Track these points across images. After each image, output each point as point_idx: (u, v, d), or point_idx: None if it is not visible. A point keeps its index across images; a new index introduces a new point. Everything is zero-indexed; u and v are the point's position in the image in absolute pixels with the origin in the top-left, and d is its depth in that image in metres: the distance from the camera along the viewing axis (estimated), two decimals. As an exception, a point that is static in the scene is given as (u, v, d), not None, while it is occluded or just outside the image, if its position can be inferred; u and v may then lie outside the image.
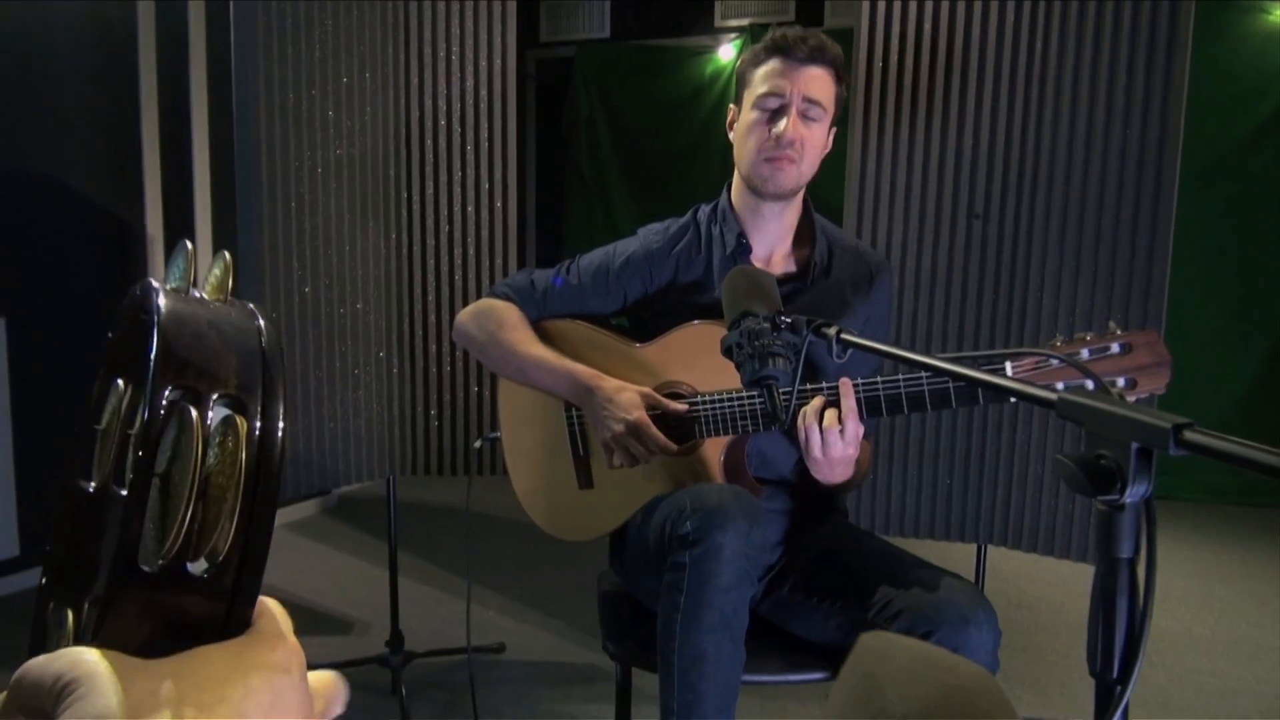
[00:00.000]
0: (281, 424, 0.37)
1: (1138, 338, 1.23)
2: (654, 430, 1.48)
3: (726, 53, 5.27)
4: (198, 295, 0.41)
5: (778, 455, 1.62)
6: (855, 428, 1.35)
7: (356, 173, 2.23)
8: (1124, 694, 0.64)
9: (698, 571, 1.30)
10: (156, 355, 0.36)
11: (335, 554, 3.44)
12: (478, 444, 2.07)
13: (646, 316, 1.66)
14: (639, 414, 1.49)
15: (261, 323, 0.39)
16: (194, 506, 0.34)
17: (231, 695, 0.34)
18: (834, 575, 1.51)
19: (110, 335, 0.45)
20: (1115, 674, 0.65)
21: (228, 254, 0.42)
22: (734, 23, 5.26)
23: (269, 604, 0.39)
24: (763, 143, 1.54)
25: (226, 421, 0.36)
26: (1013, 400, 1.62)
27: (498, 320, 1.65)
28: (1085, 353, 1.24)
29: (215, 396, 0.36)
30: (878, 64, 2.08)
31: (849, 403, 1.34)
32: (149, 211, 3.39)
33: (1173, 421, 0.60)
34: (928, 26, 2.04)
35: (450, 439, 2.37)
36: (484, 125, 2.30)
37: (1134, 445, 0.62)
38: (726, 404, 1.49)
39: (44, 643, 0.40)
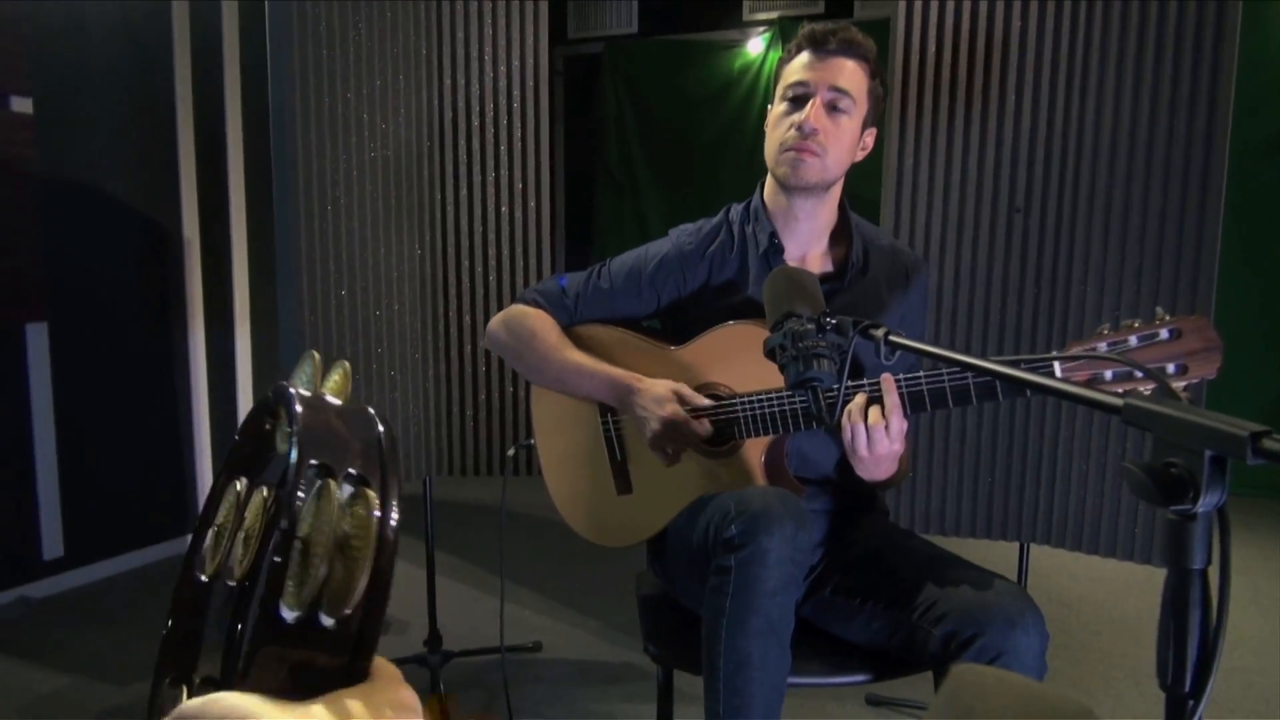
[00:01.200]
0: (397, 507, 0.43)
1: (1186, 323, 1.20)
2: (688, 420, 1.48)
3: (755, 46, 5.24)
4: (326, 396, 0.48)
5: (819, 454, 1.61)
6: (900, 423, 1.33)
7: (391, 174, 2.23)
8: (1197, 709, 0.62)
9: (743, 576, 1.29)
10: (298, 439, 0.41)
11: (372, 553, 3.46)
12: (511, 452, 2.07)
13: (680, 318, 1.65)
14: (672, 408, 1.49)
15: (377, 418, 0.46)
16: (331, 564, 0.40)
17: None
18: (876, 576, 1.49)
19: (236, 439, 0.52)
20: (1187, 688, 0.63)
21: (346, 363, 0.50)
22: (762, 16, 5.23)
23: (383, 661, 0.44)
24: (786, 134, 1.53)
25: (356, 495, 0.41)
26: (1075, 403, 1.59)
27: (529, 328, 1.64)
28: (1133, 339, 1.21)
29: (346, 473, 0.42)
30: (915, 57, 2.06)
31: (892, 398, 1.32)
32: (185, 216, 3.43)
33: (1249, 429, 0.58)
34: (966, 17, 2.01)
35: (486, 439, 2.37)
36: (516, 125, 2.30)
37: (1208, 453, 0.60)
38: (766, 404, 1.48)
39: (160, 717, 0.46)
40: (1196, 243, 1.88)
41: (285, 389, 0.46)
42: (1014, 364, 0.87)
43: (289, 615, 0.39)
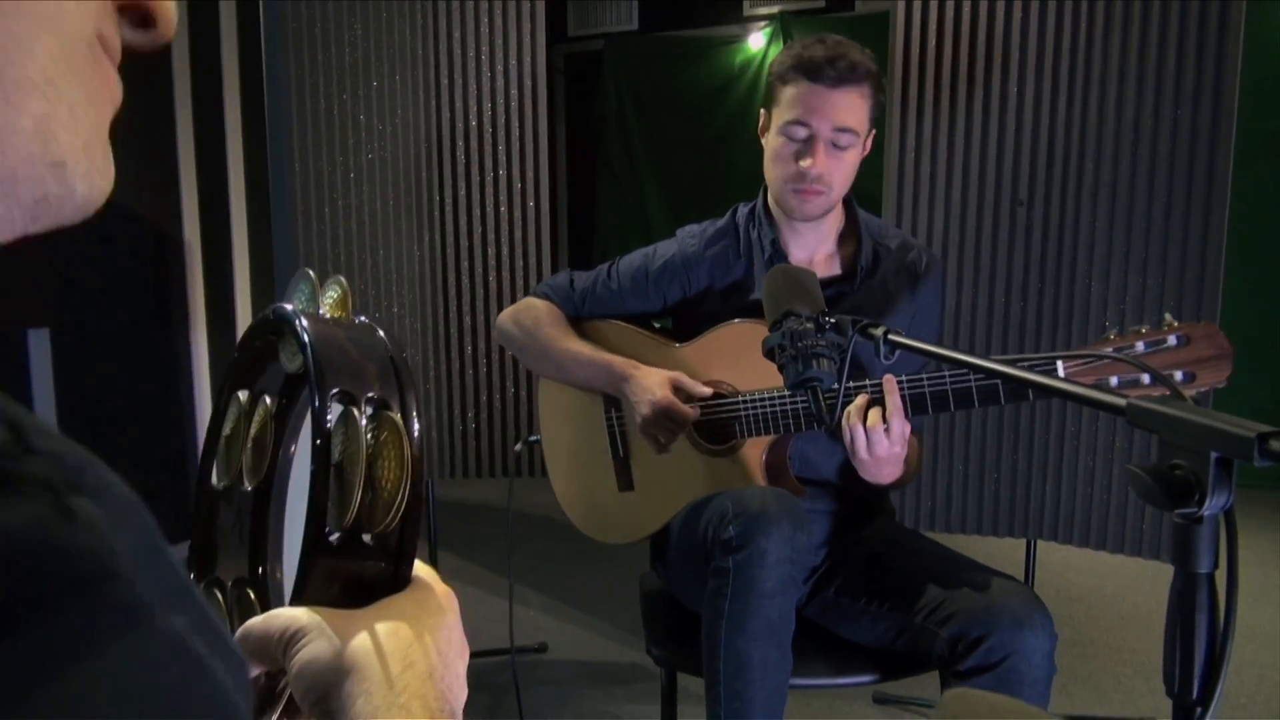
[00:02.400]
0: (417, 418, 0.45)
1: (1196, 330, 1.18)
2: (678, 403, 1.46)
3: (756, 41, 5.21)
4: (326, 315, 0.49)
5: (820, 457, 1.59)
6: (901, 426, 1.31)
7: (389, 175, 2.22)
8: (1204, 716, 0.61)
9: (741, 577, 1.28)
10: (315, 368, 0.43)
11: (376, 554, 3.45)
12: (518, 447, 2.06)
13: (688, 319, 1.64)
14: (664, 393, 1.48)
15: (383, 334, 0.47)
16: (364, 486, 0.42)
17: (424, 630, 0.43)
18: (881, 577, 1.47)
19: (236, 355, 0.53)
20: (1195, 695, 0.61)
21: (343, 278, 0.50)
22: (763, 11, 5.20)
23: (420, 564, 0.47)
24: (789, 174, 1.50)
25: (378, 418, 0.44)
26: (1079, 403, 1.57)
27: (535, 318, 1.65)
28: (1140, 346, 1.19)
29: (367, 398, 0.44)
30: (916, 50, 2.04)
31: (894, 400, 1.31)
32: (186, 220, 3.43)
33: (1257, 430, 0.56)
34: (967, 10, 1.99)
35: (488, 441, 2.36)
36: (515, 124, 2.28)
37: (1214, 455, 0.58)
38: (768, 404, 1.47)
39: None
40: (1202, 237, 1.86)
41: (287, 311, 0.46)
42: (1017, 364, 0.86)
43: (334, 536, 0.42)
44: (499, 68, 2.27)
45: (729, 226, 1.64)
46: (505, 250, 2.31)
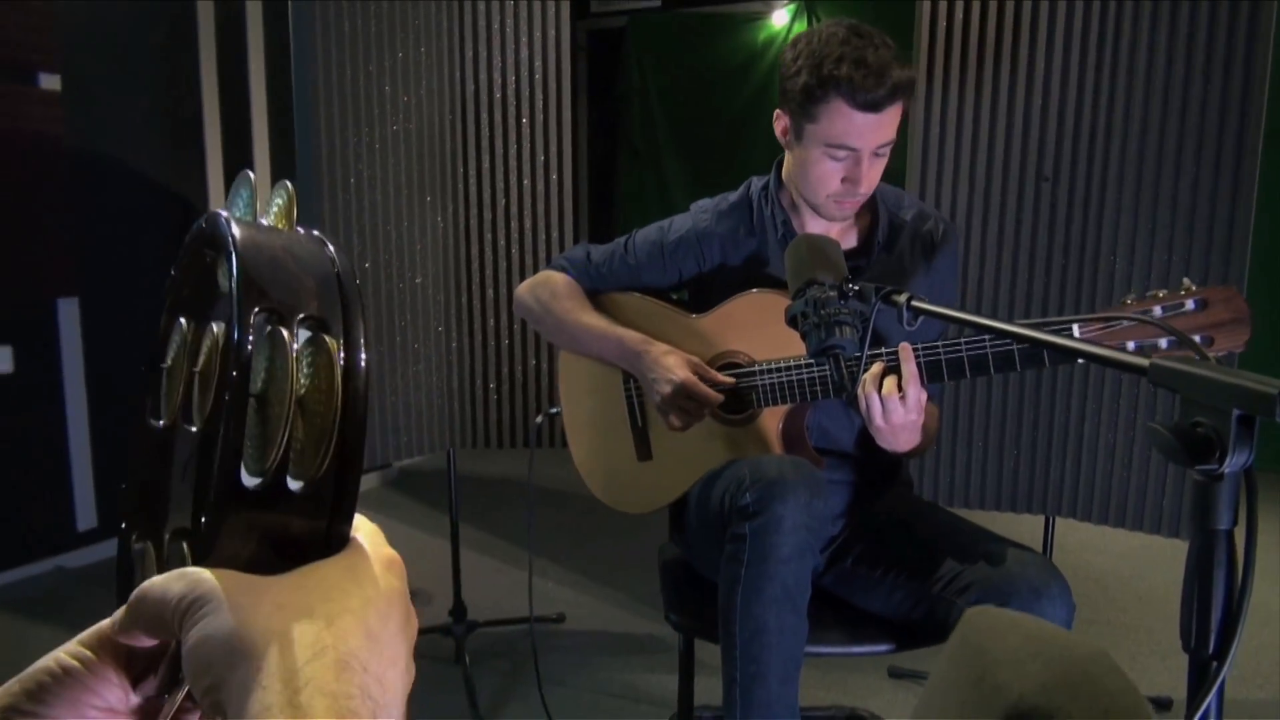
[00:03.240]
0: (364, 348, 0.37)
1: (1215, 293, 1.17)
2: (702, 387, 1.47)
3: (780, 18, 5.17)
4: (266, 224, 0.41)
5: (838, 427, 1.60)
6: (917, 393, 1.31)
7: (414, 148, 2.24)
8: (1220, 671, 0.62)
9: (758, 543, 1.29)
10: (238, 280, 0.36)
11: (397, 526, 3.50)
12: (539, 419, 2.08)
13: (702, 292, 1.64)
14: (685, 374, 1.48)
15: (332, 249, 0.39)
16: (292, 424, 0.35)
17: (353, 605, 0.35)
18: (899, 547, 1.48)
19: (172, 272, 0.46)
20: (1211, 650, 0.62)
21: (289, 183, 0.42)
22: (787, -13, 5.15)
23: (362, 520, 0.40)
24: (833, 188, 1.48)
25: (314, 342, 0.36)
26: (1080, 362, 1.56)
27: (552, 291, 1.66)
28: (1158, 310, 1.19)
29: (299, 318, 0.36)
30: (942, 24, 2.02)
31: (910, 368, 1.31)
32: (211, 191, 3.46)
33: (1278, 386, 0.56)
34: (994, -18, 1.97)
35: (509, 412, 2.38)
36: (539, 97, 2.29)
37: (1235, 412, 0.59)
38: (785, 373, 1.47)
39: (131, 576, 0.42)
40: (1230, 212, 1.84)
41: (218, 216, 0.39)
42: (1036, 328, 0.86)
43: (251, 481, 0.35)
44: (523, 40, 2.27)
45: (743, 200, 1.64)
46: (528, 223, 2.32)
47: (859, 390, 1.34)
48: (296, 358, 0.36)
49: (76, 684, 0.36)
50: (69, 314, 3.05)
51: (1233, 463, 0.60)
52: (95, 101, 3.07)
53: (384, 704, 0.34)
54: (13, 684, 0.36)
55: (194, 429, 0.39)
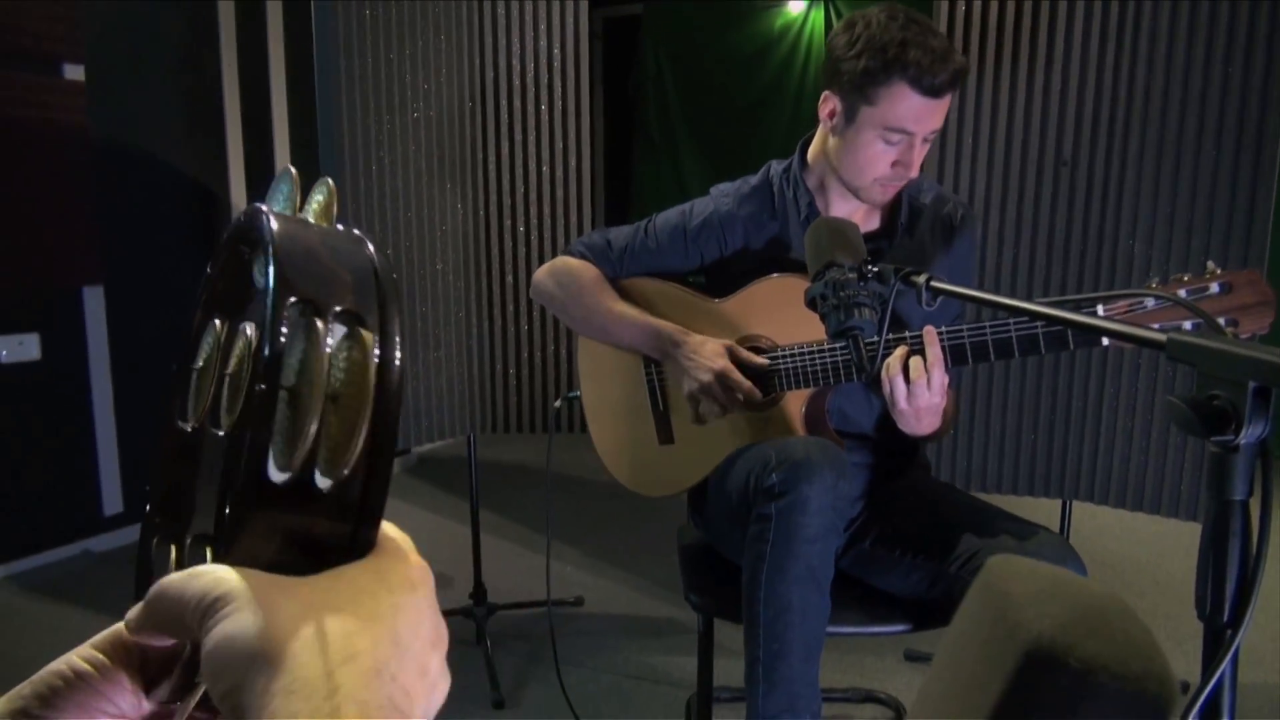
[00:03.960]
0: (399, 344, 0.36)
1: (1238, 277, 1.18)
2: (740, 377, 1.48)
3: (796, 5, 5.16)
4: (305, 218, 0.40)
5: (858, 410, 1.61)
6: (941, 376, 1.32)
7: (434, 135, 2.26)
8: (1235, 638, 0.63)
9: (784, 523, 1.31)
10: (274, 271, 0.35)
11: (418, 511, 3.54)
12: (558, 404, 2.10)
13: (722, 276, 1.66)
14: (724, 363, 1.49)
15: (371, 248, 0.39)
16: (323, 419, 0.34)
17: (383, 611, 0.34)
18: (916, 528, 1.50)
19: (209, 270, 0.44)
20: (1226, 618, 0.64)
21: (330, 180, 0.41)
22: (804, -27, 5.13)
23: (390, 527, 0.38)
24: (881, 172, 1.49)
25: (350, 336, 0.35)
26: (1105, 343, 1.56)
27: (577, 279, 1.67)
28: (1183, 293, 1.20)
29: (335, 312, 0.35)
30: (961, 7, 2.02)
31: (934, 350, 1.32)
32: (233, 180, 3.49)
33: (1294, 359, 0.58)
34: (1013, -34, 1.97)
35: (529, 397, 2.41)
36: (557, 84, 2.30)
37: (1251, 384, 0.60)
38: (807, 356, 1.49)
39: (149, 579, 0.40)
40: (1250, 197, 1.83)
41: (257, 210, 0.38)
42: (1057, 307, 0.87)
43: (278, 477, 0.34)
44: (541, 27, 2.29)
45: (763, 184, 1.65)
46: (547, 209, 2.34)
47: (883, 374, 1.35)
48: (331, 351, 0.35)
49: (88, 688, 0.36)
50: (94, 302, 3.09)
51: (1249, 434, 0.61)
52: (119, 91, 3.11)
53: (413, 711, 0.33)
54: (24, 687, 0.35)
55: (222, 433, 0.38)
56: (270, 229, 0.37)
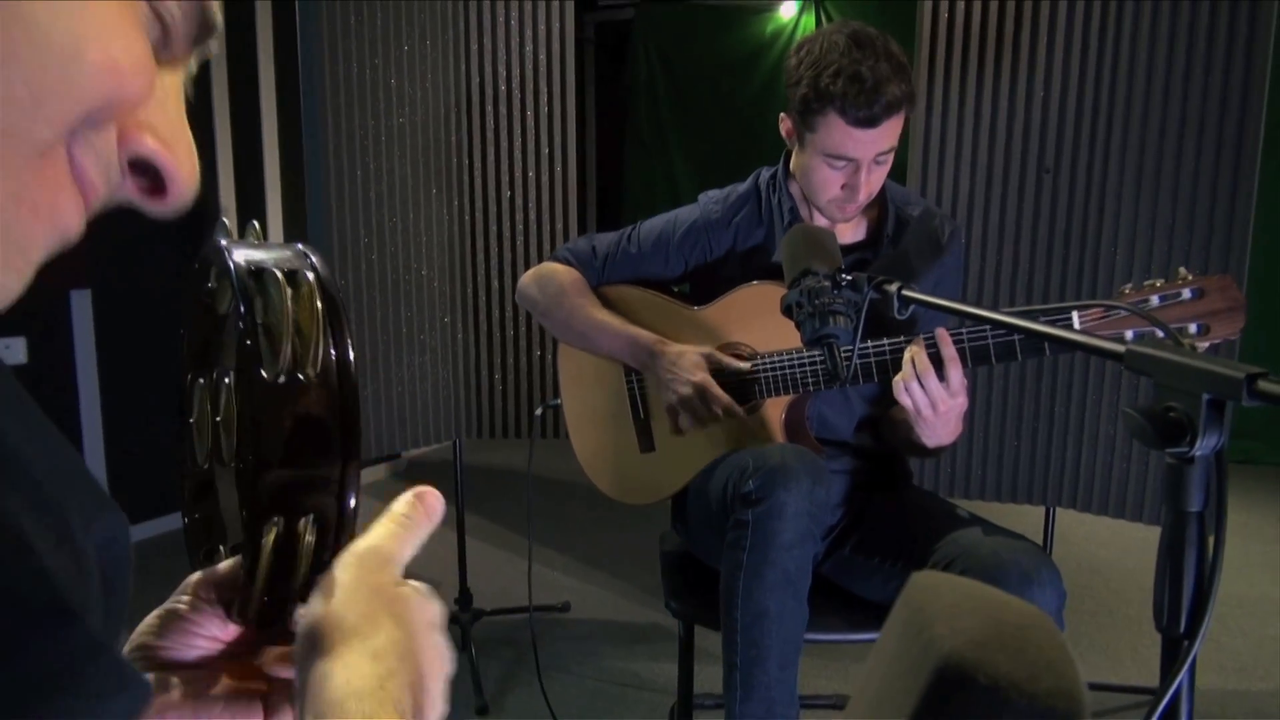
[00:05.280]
0: (335, 285, 0.47)
1: (1210, 282, 1.19)
2: (718, 390, 1.48)
3: (788, 10, 5.17)
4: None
5: (838, 417, 1.62)
6: (959, 375, 1.31)
7: (419, 140, 2.26)
8: (1191, 649, 0.63)
9: (761, 529, 1.31)
10: (233, 256, 0.46)
11: (405, 515, 3.53)
12: (539, 411, 2.10)
13: (707, 283, 1.66)
14: (702, 375, 1.49)
15: (299, 243, 0.50)
16: (294, 337, 0.45)
17: (418, 643, 0.43)
18: (895, 535, 1.50)
19: (182, 332, 0.55)
20: (1183, 629, 0.64)
21: (257, 224, 0.53)
22: (795, -21, 5.14)
23: (414, 584, 0.48)
24: (833, 194, 1.50)
25: (295, 284, 0.46)
26: (1080, 351, 1.57)
27: (559, 285, 1.67)
28: (1155, 299, 1.20)
29: (285, 271, 0.46)
30: (944, 14, 2.03)
31: (949, 350, 1.31)
32: (222, 185, 3.49)
33: (1246, 371, 0.58)
34: (996, -26, 1.98)
35: (514, 402, 2.41)
36: (543, 90, 2.30)
37: (1205, 396, 0.60)
38: (786, 363, 1.49)
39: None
40: (1230, 203, 1.84)
41: (208, 244, 0.50)
42: (1030, 315, 0.88)
43: (278, 380, 0.44)
44: (528, 33, 2.29)
45: (751, 191, 1.66)
46: (532, 215, 2.34)
47: (899, 389, 1.34)
48: (284, 289, 0.45)
49: (184, 621, 0.48)
50: (82, 306, 3.08)
51: (1203, 446, 0.61)
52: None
53: None
54: (141, 626, 0.48)
55: (229, 465, 0.48)
56: (221, 242, 0.49)
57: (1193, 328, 1.19)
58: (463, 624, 2.48)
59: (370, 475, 4.02)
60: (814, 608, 1.38)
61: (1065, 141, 1.97)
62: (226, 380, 0.50)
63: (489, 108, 2.31)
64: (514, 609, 2.63)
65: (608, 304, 1.66)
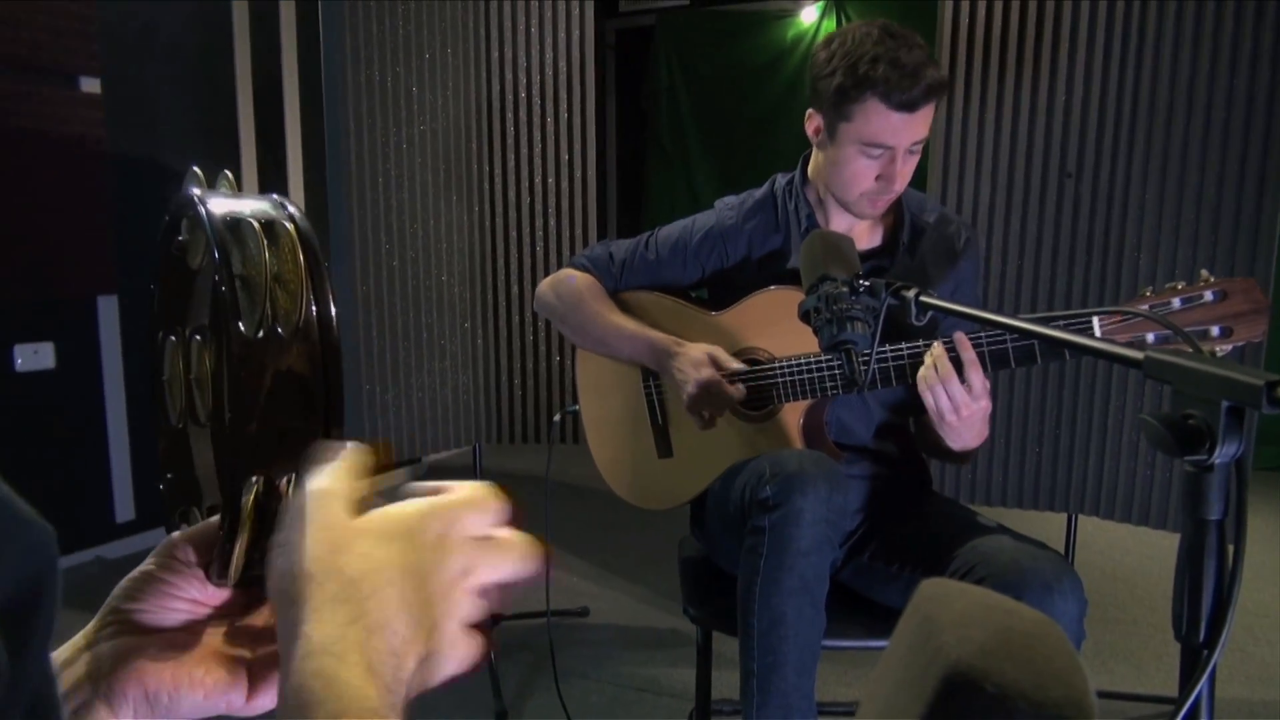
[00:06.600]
0: (311, 233, 0.45)
1: (1233, 284, 1.18)
2: (723, 384, 1.48)
3: (809, 15, 5.16)
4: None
5: (856, 422, 1.61)
6: (980, 379, 1.31)
7: (440, 147, 2.27)
8: (1210, 658, 0.63)
9: (777, 535, 1.31)
10: (208, 206, 0.45)
11: (426, 520, 3.55)
12: (557, 418, 2.11)
13: (723, 289, 1.66)
14: (708, 371, 1.49)
15: (277, 197, 0.49)
16: (272, 293, 0.43)
17: (393, 577, 0.40)
18: (915, 542, 1.49)
19: (153, 288, 0.53)
20: (1202, 638, 0.63)
21: (230, 173, 0.51)
22: (816, -16, 5.14)
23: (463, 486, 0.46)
24: (867, 186, 1.49)
25: (274, 234, 0.45)
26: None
27: (576, 291, 1.68)
28: (1177, 302, 1.19)
29: (261, 221, 0.45)
30: (965, 17, 2.02)
31: (969, 354, 1.31)
32: (245, 191, 3.53)
33: (1266, 378, 0.57)
34: (1017, -22, 1.97)
35: (534, 408, 2.42)
36: (563, 97, 2.31)
37: (1224, 404, 0.60)
38: (804, 368, 1.49)
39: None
40: (1256, 206, 1.82)
41: (180, 194, 0.48)
42: (1048, 321, 0.87)
43: (257, 334, 0.43)
44: (548, 41, 2.30)
45: (767, 198, 1.66)
46: (552, 221, 2.35)
47: (923, 393, 1.34)
48: (262, 240, 0.44)
49: (160, 582, 0.46)
50: (109, 311, 3.13)
51: (1223, 453, 0.61)
52: (134, 103, 3.15)
53: (406, 660, 0.38)
54: (114, 592, 0.46)
55: (204, 424, 0.45)
56: (192, 188, 0.47)
57: (1215, 331, 1.17)
58: (480, 628, 2.49)
59: (392, 480, 4.05)
60: (833, 614, 1.37)
61: (1087, 145, 1.95)
62: (199, 337, 0.48)
63: (509, 114, 2.33)
64: (533, 614, 2.64)
65: (625, 309, 1.67)
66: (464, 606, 0.42)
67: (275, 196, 0.48)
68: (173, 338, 0.51)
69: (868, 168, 1.48)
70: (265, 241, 0.44)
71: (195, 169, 0.51)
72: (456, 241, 2.33)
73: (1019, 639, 0.41)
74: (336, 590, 0.38)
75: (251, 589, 0.45)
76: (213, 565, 0.45)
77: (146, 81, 3.19)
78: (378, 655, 0.37)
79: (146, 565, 0.47)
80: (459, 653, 0.41)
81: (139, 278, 3.19)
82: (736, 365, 1.53)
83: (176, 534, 0.48)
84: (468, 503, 0.44)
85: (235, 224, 0.44)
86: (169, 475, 0.53)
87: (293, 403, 0.43)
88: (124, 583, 0.46)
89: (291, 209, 0.47)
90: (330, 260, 2.25)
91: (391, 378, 2.25)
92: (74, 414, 3.08)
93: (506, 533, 0.45)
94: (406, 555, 0.41)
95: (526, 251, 2.37)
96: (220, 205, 0.45)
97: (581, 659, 2.46)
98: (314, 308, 0.44)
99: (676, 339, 1.57)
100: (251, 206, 0.46)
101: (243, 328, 0.42)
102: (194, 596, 0.47)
